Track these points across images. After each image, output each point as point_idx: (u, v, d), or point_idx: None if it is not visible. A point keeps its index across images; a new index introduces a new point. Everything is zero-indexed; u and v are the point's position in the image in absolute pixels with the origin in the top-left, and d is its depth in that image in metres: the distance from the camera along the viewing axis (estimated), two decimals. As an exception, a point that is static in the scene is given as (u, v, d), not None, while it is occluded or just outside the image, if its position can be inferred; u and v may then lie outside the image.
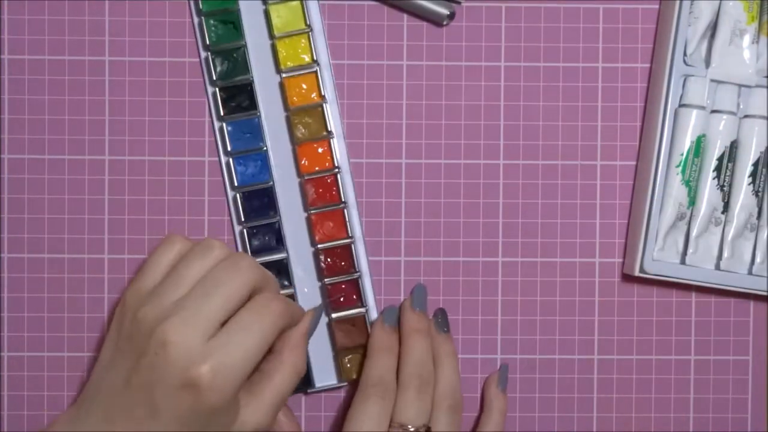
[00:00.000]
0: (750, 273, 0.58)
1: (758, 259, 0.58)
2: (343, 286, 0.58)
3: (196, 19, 0.59)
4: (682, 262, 0.58)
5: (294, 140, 0.58)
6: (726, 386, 0.61)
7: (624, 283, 0.60)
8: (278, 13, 0.57)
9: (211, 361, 0.46)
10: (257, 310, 0.49)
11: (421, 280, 0.60)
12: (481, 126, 0.60)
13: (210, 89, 0.59)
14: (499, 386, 0.59)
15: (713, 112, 0.57)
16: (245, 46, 0.57)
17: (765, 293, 0.57)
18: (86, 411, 0.49)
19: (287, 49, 0.57)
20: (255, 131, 0.58)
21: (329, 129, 0.58)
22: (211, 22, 0.57)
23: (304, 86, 0.58)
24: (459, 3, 0.60)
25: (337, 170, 0.58)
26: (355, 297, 0.58)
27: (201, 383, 0.46)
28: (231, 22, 0.57)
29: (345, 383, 0.59)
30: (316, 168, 0.58)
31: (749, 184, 0.57)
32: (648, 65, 0.60)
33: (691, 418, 0.61)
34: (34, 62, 0.59)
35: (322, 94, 0.58)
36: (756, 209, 0.58)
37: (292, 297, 0.58)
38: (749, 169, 0.57)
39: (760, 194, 0.58)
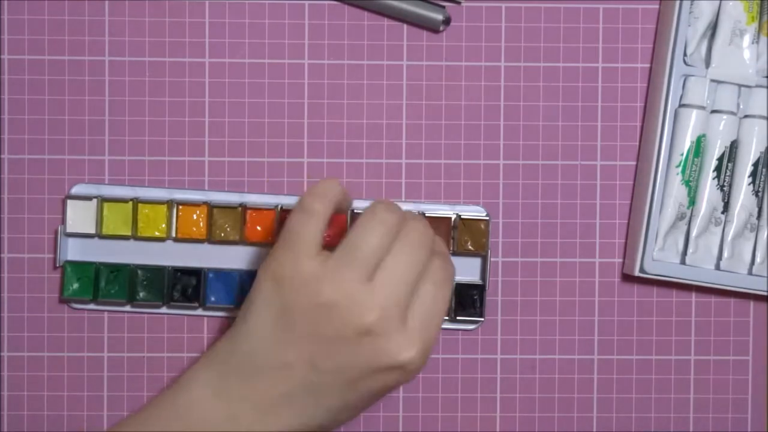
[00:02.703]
0: (750, 273, 0.58)
1: (758, 259, 0.58)
2: None
3: (95, 306, 0.59)
4: (682, 262, 0.58)
5: (240, 242, 0.58)
6: (726, 386, 0.61)
7: (624, 283, 0.60)
8: (111, 227, 0.58)
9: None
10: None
11: (421, 280, 0.60)
12: (481, 126, 0.60)
13: (166, 309, 0.60)
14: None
15: (713, 112, 0.57)
16: (136, 266, 0.58)
17: (765, 293, 0.57)
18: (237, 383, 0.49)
19: (148, 226, 0.58)
20: (221, 278, 0.58)
21: (237, 205, 0.58)
22: (105, 291, 0.58)
23: (191, 216, 0.58)
24: (459, 3, 0.60)
25: (279, 207, 0.58)
26: None
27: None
28: (111, 273, 0.58)
29: (489, 252, 0.59)
30: (272, 228, 0.58)
31: (749, 184, 0.57)
32: (648, 65, 0.60)
33: (691, 418, 0.61)
34: (34, 62, 0.59)
35: (200, 203, 0.58)
36: (756, 209, 0.58)
37: None
38: (749, 169, 0.57)
39: (760, 194, 0.58)
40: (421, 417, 0.60)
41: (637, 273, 0.57)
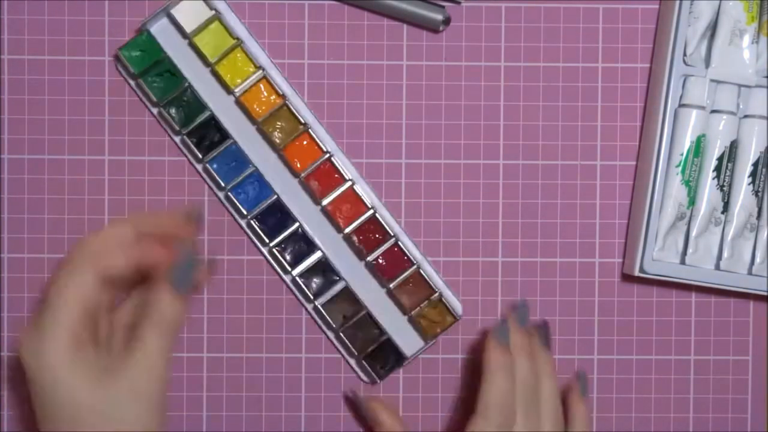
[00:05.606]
0: (750, 273, 0.58)
1: (758, 259, 0.58)
2: (385, 256, 0.58)
3: (132, 82, 0.59)
4: (682, 262, 0.58)
5: (276, 147, 0.58)
6: (726, 386, 0.61)
7: (624, 283, 0.60)
8: (204, 41, 0.58)
9: None
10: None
11: (421, 280, 0.60)
12: (481, 126, 0.60)
13: (177, 139, 0.59)
14: (581, 394, 0.57)
15: (713, 112, 0.57)
16: (190, 86, 0.58)
17: (765, 293, 0.57)
18: None
19: (228, 70, 0.58)
20: (237, 158, 0.58)
21: (302, 122, 0.58)
22: (149, 79, 0.57)
23: (264, 94, 0.58)
24: (459, 3, 0.60)
25: (328, 155, 0.58)
26: (401, 259, 0.58)
27: None
28: (167, 71, 0.58)
29: (433, 342, 0.59)
30: (309, 163, 0.58)
31: (749, 184, 0.57)
32: (648, 65, 0.60)
33: (691, 418, 0.61)
34: (34, 62, 0.59)
35: (280, 93, 0.58)
36: (756, 209, 0.58)
37: (346, 290, 0.59)
38: (749, 169, 0.57)
39: (759, 194, 0.58)
40: (421, 417, 0.60)
41: (636, 273, 0.57)
